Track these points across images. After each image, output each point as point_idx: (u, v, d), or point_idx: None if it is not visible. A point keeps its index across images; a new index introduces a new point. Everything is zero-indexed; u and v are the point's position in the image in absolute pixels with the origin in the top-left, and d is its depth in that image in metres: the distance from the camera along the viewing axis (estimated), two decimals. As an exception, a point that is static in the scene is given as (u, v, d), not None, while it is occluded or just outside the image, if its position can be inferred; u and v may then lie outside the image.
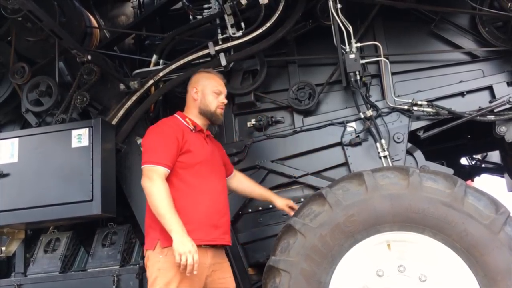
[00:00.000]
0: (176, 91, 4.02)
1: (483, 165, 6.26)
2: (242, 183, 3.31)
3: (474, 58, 3.75)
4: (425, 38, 3.86)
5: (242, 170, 3.80)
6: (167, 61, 3.99)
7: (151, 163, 2.66)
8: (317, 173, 3.72)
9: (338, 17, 3.54)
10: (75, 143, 3.47)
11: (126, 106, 3.86)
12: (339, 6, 3.54)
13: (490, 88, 3.60)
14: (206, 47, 3.78)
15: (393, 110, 3.66)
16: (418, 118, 3.61)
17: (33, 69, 3.98)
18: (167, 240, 2.53)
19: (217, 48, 3.75)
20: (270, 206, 3.75)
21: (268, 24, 3.67)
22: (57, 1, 3.87)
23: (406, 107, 3.59)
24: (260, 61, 3.93)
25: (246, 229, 3.78)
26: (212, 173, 2.88)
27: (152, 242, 2.67)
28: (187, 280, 2.54)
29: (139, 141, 3.69)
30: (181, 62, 3.81)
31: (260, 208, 3.77)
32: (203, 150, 2.87)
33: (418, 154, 3.62)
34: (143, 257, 3.16)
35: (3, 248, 3.98)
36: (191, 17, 4.06)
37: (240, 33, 3.72)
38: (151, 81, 3.84)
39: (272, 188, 3.78)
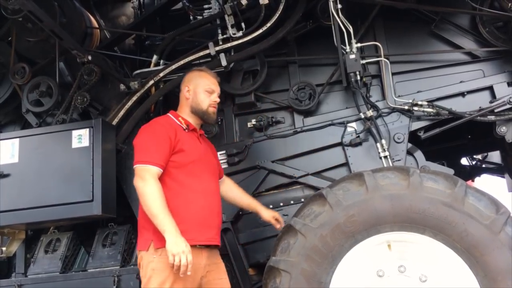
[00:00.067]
0: (176, 91, 3.98)
1: (483, 165, 6.25)
2: (231, 190, 3.21)
3: (474, 58, 3.75)
4: (425, 38, 3.86)
5: (243, 170, 3.82)
6: (167, 61, 4.00)
7: (143, 163, 2.62)
8: (317, 174, 3.72)
9: (339, 17, 3.54)
10: (75, 144, 3.47)
11: (127, 106, 3.87)
12: (339, 6, 3.54)
13: (490, 88, 3.60)
14: (207, 47, 3.79)
15: (393, 110, 3.66)
16: (418, 118, 3.61)
17: (33, 69, 3.98)
18: (161, 241, 2.50)
19: (217, 48, 3.75)
20: (271, 206, 3.75)
21: (268, 25, 3.67)
22: (58, 2, 3.87)
23: (406, 107, 3.59)
24: (261, 62, 3.93)
25: (246, 229, 3.78)
26: (205, 173, 2.84)
27: (146, 242, 2.63)
28: (182, 280, 2.51)
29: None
30: (182, 62, 3.81)
31: (261, 208, 3.77)
32: (196, 149, 2.84)
33: (419, 154, 3.62)
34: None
35: (4, 249, 3.98)
36: (191, 17, 4.06)
37: (240, 34, 3.73)
38: (151, 82, 3.84)
39: (272, 189, 3.80)
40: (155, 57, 4.03)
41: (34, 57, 4.10)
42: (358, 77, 3.54)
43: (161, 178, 2.65)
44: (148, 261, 2.60)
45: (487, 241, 2.56)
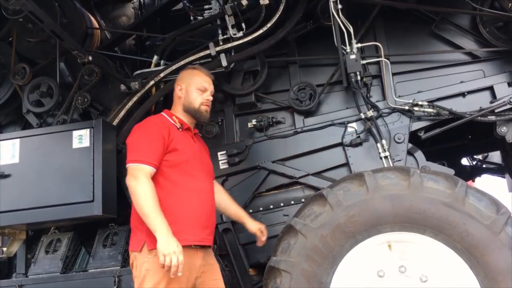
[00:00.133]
0: (176, 91, 4.01)
1: (484, 166, 6.25)
2: (220, 195, 3.12)
3: (475, 58, 3.75)
4: (425, 38, 3.86)
5: (243, 171, 3.83)
6: (168, 61, 4.00)
7: (136, 162, 2.60)
8: (318, 174, 3.72)
9: (339, 17, 3.54)
10: (76, 144, 3.47)
11: (127, 106, 3.87)
12: (339, 6, 3.54)
13: (491, 89, 3.60)
14: (207, 47, 3.79)
15: (393, 110, 3.66)
16: (419, 118, 3.61)
17: (34, 70, 3.98)
18: (153, 242, 2.46)
19: (217, 48, 3.75)
20: (271, 206, 3.76)
21: (268, 25, 3.67)
22: (58, 2, 3.88)
23: (407, 107, 3.60)
24: (261, 62, 3.93)
25: (247, 229, 3.77)
26: (199, 172, 2.81)
27: (139, 243, 2.61)
28: (177, 281, 2.50)
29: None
30: (182, 62, 3.80)
31: (261, 208, 3.78)
32: (190, 148, 2.82)
33: (419, 154, 3.62)
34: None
35: (5, 249, 3.99)
36: (191, 18, 4.06)
37: (240, 34, 3.73)
38: (152, 82, 3.84)
39: (273, 189, 3.81)
40: (155, 57, 4.03)
41: (34, 58, 4.10)
42: (359, 77, 3.54)
43: (154, 177, 2.62)
44: (142, 261, 2.58)
45: (487, 241, 2.56)
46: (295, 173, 3.72)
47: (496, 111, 3.49)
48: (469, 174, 6.23)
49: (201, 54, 3.80)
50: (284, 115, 3.97)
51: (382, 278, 2.72)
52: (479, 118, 3.49)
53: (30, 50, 4.06)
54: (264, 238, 3.06)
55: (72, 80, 4.15)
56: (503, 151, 5.17)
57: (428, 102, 3.57)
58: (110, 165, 3.54)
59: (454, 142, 4.95)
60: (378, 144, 3.57)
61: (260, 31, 3.68)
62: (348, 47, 3.57)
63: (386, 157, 3.53)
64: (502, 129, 3.47)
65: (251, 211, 3.79)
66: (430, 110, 3.54)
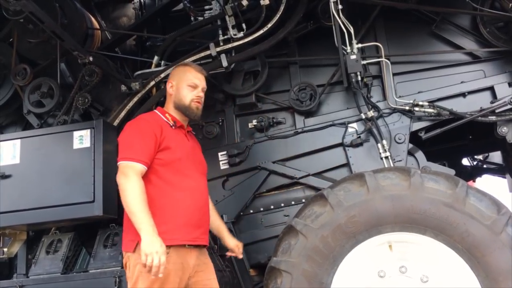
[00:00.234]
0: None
1: (484, 166, 6.25)
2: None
3: (475, 58, 3.75)
4: (426, 38, 3.86)
5: (244, 171, 3.83)
6: (168, 62, 4.00)
7: (127, 159, 2.55)
8: (318, 174, 3.73)
9: (339, 18, 3.55)
10: (76, 144, 3.47)
11: (128, 107, 3.87)
12: (340, 7, 3.54)
13: (491, 89, 3.61)
14: (207, 48, 3.79)
15: (394, 110, 3.66)
16: (419, 118, 3.61)
17: (34, 70, 3.99)
18: None
19: (218, 49, 3.75)
20: (272, 207, 3.76)
21: (269, 25, 3.67)
22: (59, 3, 3.88)
23: (407, 107, 3.60)
24: (261, 62, 3.93)
25: (247, 230, 3.79)
26: (193, 170, 2.77)
27: (132, 243, 2.56)
28: (171, 280, 2.48)
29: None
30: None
31: (262, 209, 3.78)
32: (183, 146, 2.77)
33: (420, 154, 3.62)
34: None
35: (5, 249, 3.99)
36: (192, 18, 4.06)
37: (241, 34, 3.73)
38: (152, 82, 3.84)
39: (273, 189, 3.81)
40: (156, 58, 4.03)
41: (35, 58, 4.10)
42: (359, 78, 3.54)
43: (147, 176, 2.59)
44: (135, 262, 2.53)
45: (488, 241, 2.56)
46: (296, 173, 3.72)
47: (496, 111, 3.49)
48: (470, 174, 6.23)
49: (202, 54, 3.80)
50: (284, 115, 3.98)
51: (382, 278, 2.72)
52: (479, 118, 3.49)
53: (30, 51, 4.07)
54: (240, 256, 3.01)
55: (72, 81, 4.16)
56: (504, 151, 5.17)
57: (428, 102, 3.57)
58: (111, 166, 3.53)
59: (454, 143, 4.95)
60: (379, 145, 3.57)
61: (261, 32, 3.68)
62: (348, 48, 3.58)
63: (386, 157, 3.53)
64: (503, 129, 3.47)
65: (251, 211, 3.80)
66: (430, 110, 3.54)
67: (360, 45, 3.67)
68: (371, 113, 3.62)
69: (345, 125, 3.72)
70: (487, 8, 3.57)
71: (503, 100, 3.49)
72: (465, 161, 6.21)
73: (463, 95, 3.63)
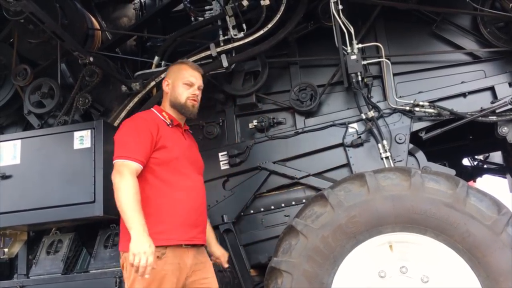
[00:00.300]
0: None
1: (485, 166, 6.24)
2: None
3: (475, 58, 3.75)
4: (426, 39, 3.86)
5: (244, 171, 3.83)
6: (169, 62, 3.99)
7: (122, 158, 2.54)
8: (319, 174, 3.72)
9: (340, 18, 3.55)
10: (77, 145, 3.47)
11: (128, 107, 3.87)
12: (340, 7, 3.54)
13: (492, 89, 3.61)
14: (208, 48, 3.79)
15: (394, 111, 3.66)
16: (420, 119, 3.61)
17: (35, 71, 3.99)
18: None
19: (218, 49, 3.75)
20: (272, 207, 3.76)
21: (269, 26, 3.67)
22: (59, 3, 3.88)
23: (407, 108, 3.60)
24: (262, 63, 3.93)
25: (248, 230, 3.78)
26: (189, 170, 2.75)
27: (128, 244, 2.48)
28: (168, 280, 2.47)
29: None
30: (183, 63, 3.81)
31: (262, 209, 3.78)
32: (180, 145, 2.75)
33: (420, 155, 3.62)
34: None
35: (6, 250, 3.99)
36: (192, 18, 4.06)
37: (241, 35, 3.73)
38: (152, 83, 3.85)
39: (274, 189, 3.81)
40: (156, 58, 4.03)
41: (35, 59, 4.10)
42: (359, 78, 3.54)
43: (143, 176, 2.58)
44: None
45: (489, 241, 2.56)
46: (296, 173, 3.72)
47: (497, 111, 3.49)
48: (470, 174, 6.23)
49: (202, 54, 3.80)
50: (285, 115, 3.98)
51: (383, 278, 2.71)
52: (480, 118, 3.49)
53: (31, 51, 4.07)
54: (225, 265, 2.98)
55: (73, 81, 4.16)
56: (504, 151, 5.17)
57: (429, 102, 3.57)
58: (111, 166, 3.52)
59: (455, 143, 4.95)
60: (379, 145, 3.57)
61: (261, 32, 3.69)
62: (349, 48, 3.57)
63: (387, 157, 3.53)
64: (503, 130, 3.47)
65: (252, 211, 3.79)
66: (431, 110, 3.54)
67: (360, 45, 3.67)
68: (371, 113, 3.61)
69: (345, 125, 3.72)
70: (487, 8, 3.57)
71: (503, 100, 3.49)
72: (466, 161, 6.21)
73: (463, 95, 3.63)
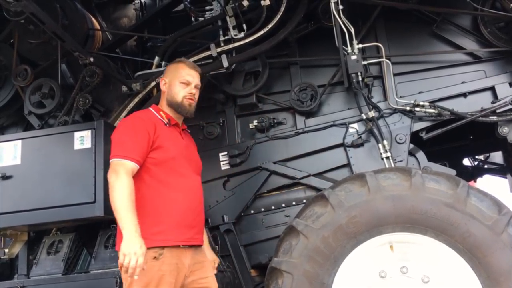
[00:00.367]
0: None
1: (485, 166, 6.24)
2: None
3: (476, 58, 3.75)
4: (427, 39, 3.86)
5: (244, 172, 3.83)
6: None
7: (119, 157, 2.52)
8: (319, 174, 3.72)
9: (340, 18, 3.55)
10: (77, 145, 3.47)
11: (128, 108, 3.87)
12: (341, 7, 3.54)
13: (492, 89, 3.60)
14: (208, 48, 3.79)
15: (395, 111, 3.66)
16: (420, 119, 3.61)
17: (35, 71, 3.99)
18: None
19: (219, 49, 3.75)
20: (273, 207, 3.76)
21: (270, 26, 3.67)
22: (60, 4, 3.88)
23: (408, 108, 3.60)
24: (262, 63, 3.93)
25: (248, 230, 3.78)
26: (187, 169, 2.74)
27: None
28: (166, 281, 2.47)
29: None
30: (183, 64, 3.80)
31: (263, 209, 3.78)
32: (177, 145, 2.74)
33: (421, 155, 3.62)
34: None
35: (6, 250, 3.99)
36: (193, 19, 4.06)
37: (242, 35, 3.73)
38: (153, 83, 3.85)
39: (274, 190, 3.80)
40: (156, 58, 4.03)
41: (36, 59, 4.10)
42: (360, 78, 3.54)
43: (140, 176, 2.58)
44: None
45: (489, 241, 2.56)
46: (297, 174, 3.72)
47: (497, 111, 3.49)
48: (471, 174, 6.22)
49: (203, 55, 3.81)
50: (285, 116, 3.97)
51: (384, 279, 2.71)
52: (480, 118, 3.49)
53: (31, 52, 4.07)
54: (214, 271, 2.91)
55: (73, 82, 4.16)
56: (505, 151, 5.17)
57: (429, 102, 3.57)
58: (111, 166, 3.54)
59: (455, 143, 4.95)
60: (380, 145, 3.57)
61: (261, 32, 3.68)
62: (349, 48, 3.57)
63: (387, 157, 3.53)
64: (504, 130, 3.47)
65: (252, 212, 3.79)
66: (431, 110, 3.54)
67: (360, 46, 3.66)
68: (372, 114, 3.61)
69: (346, 125, 3.71)
70: (488, 8, 3.57)
71: (504, 100, 3.49)
72: (466, 161, 6.20)
73: (464, 95, 3.63)
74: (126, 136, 2.62)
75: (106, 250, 3.63)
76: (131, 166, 2.52)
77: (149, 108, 2.88)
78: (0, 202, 3.46)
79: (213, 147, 3.95)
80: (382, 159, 3.55)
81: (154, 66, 4.03)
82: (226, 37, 3.81)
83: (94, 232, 3.82)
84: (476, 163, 6.24)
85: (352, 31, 3.57)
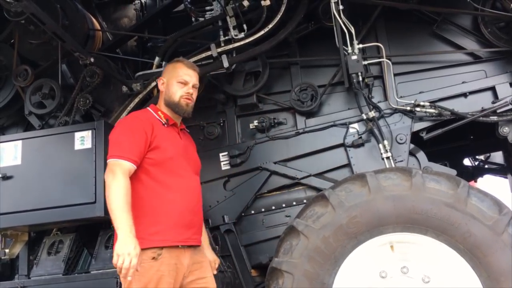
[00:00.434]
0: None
1: (486, 166, 6.24)
2: None
3: (476, 58, 3.75)
4: (427, 39, 3.86)
5: (245, 172, 3.83)
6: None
7: (116, 157, 2.51)
8: (319, 175, 3.72)
9: (340, 18, 3.55)
10: (78, 145, 3.48)
11: (129, 108, 3.87)
12: (341, 7, 3.54)
13: (492, 89, 3.60)
14: (209, 49, 3.79)
15: (395, 111, 3.66)
16: (420, 119, 3.61)
17: (36, 71, 3.99)
18: (141, 242, 2.37)
19: (219, 50, 3.75)
20: (273, 207, 3.76)
21: (270, 26, 3.67)
22: (60, 4, 3.88)
23: (408, 108, 3.60)
24: (262, 63, 3.93)
25: (249, 230, 3.78)
26: (185, 170, 2.73)
27: None
28: (165, 281, 2.47)
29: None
30: (184, 64, 3.80)
31: (263, 209, 3.78)
32: (175, 145, 2.73)
33: (421, 155, 3.62)
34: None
35: (7, 251, 4.00)
36: (193, 19, 4.06)
37: (242, 35, 3.73)
38: (153, 83, 3.84)
39: (274, 190, 3.80)
40: (157, 58, 4.02)
41: (36, 59, 4.11)
42: (360, 78, 3.54)
43: (138, 176, 2.57)
44: None
45: (490, 242, 2.56)
46: (297, 174, 3.72)
47: (498, 111, 3.49)
48: (471, 174, 6.22)
49: (203, 55, 3.80)
50: (285, 116, 3.97)
51: (384, 279, 2.71)
52: (481, 118, 3.49)
53: (32, 52, 4.07)
54: (214, 272, 2.90)
55: (74, 82, 4.16)
56: (505, 151, 5.17)
57: (430, 102, 3.57)
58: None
59: (456, 143, 4.94)
60: (380, 145, 3.57)
61: (262, 32, 3.68)
62: (349, 48, 3.57)
63: (388, 157, 3.53)
64: (504, 130, 3.47)
65: (253, 212, 3.79)
66: (432, 110, 3.54)
67: (361, 46, 3.66)
68: (372, 114, 3.61)
69: (346, 125, 3.71)
70: (488, 8, 3.57)
71: (504, 100, 3.49)
72: (467, 161, 6.20)
73: (464, 95, 3.62)
74: (124, 136, 2.61)
75: (106, 250, 3.63)
76: (128, 166, 2.51)
77: (147, 108, 2.88)
78: (0, 202, 3.46)
79: (213, 147, 3.95)
80: (383, 159, 3.55)
81: (154, 66, 4.03)
82: (226, 37, 3.81)
83: (94, 232, 3.82)
84: (476, 163, 6.25)
85: (353, 31, 3.57)
